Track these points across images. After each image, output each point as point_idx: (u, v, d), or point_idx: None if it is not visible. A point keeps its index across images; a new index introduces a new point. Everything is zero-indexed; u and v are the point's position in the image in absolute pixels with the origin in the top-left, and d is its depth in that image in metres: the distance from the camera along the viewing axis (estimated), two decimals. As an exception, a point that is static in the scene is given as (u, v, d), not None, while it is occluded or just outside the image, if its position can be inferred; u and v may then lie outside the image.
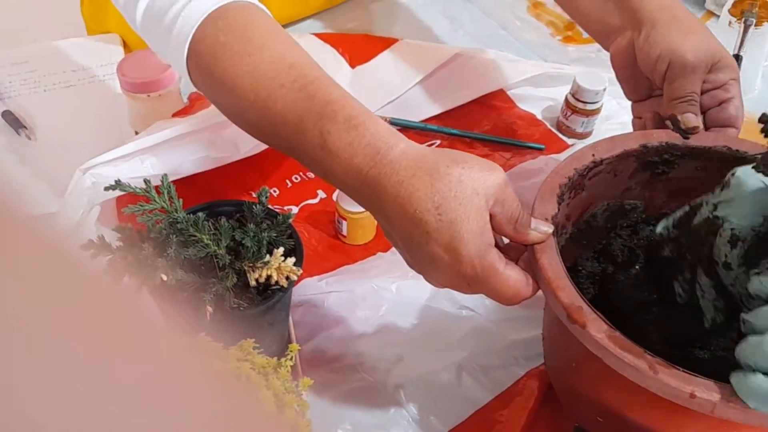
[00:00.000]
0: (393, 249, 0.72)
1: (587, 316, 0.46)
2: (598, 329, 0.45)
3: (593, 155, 0.57)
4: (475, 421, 0.62)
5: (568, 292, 0.47)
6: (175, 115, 0.81)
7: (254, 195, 0.77)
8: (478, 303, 0.69)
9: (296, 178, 0.81)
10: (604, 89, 0.84)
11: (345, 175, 0.50)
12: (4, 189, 0.18)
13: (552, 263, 0.49)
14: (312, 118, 0.50)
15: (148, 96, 0.81)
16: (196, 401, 0.20)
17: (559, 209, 0.53)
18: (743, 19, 0.87)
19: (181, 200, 0.55)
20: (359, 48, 0.96)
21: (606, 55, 0.98)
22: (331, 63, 0.90)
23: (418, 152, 0.49)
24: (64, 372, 0.16)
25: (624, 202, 0.61)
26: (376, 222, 0.74)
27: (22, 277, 0.17)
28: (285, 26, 0.95)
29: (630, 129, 0.87)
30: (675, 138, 0.59)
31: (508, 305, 0.50)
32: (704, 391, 0.43)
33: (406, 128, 0.86)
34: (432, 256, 0.47)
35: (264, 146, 0.73)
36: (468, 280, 0.48)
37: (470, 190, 0.47)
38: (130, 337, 0.19)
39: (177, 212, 0.54)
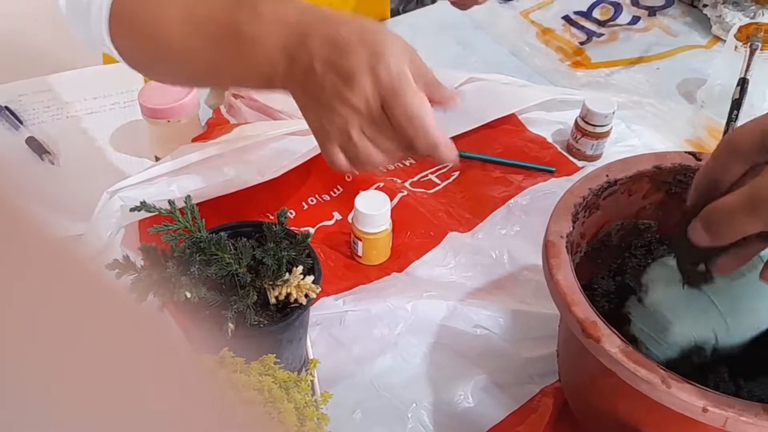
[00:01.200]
0: (408, 269, 0.75)
1: (602, 331, 0.47)
2: (612, 344, 0.47)
3: (607, 175, 0.58)
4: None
5: (583, 308, 0.48)
6: (194, 140, 0.83)
7: (271, 217, 0.79)
8: (493, 323, 0.70)
9: (312, 201, 0.83)
10: (613, 112, 0.86)
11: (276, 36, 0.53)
12: (33, 212, 0.19)
13: (567, 279, 0.50)
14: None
15: (168, 122, 0.84)
16: (217, 422, 0.20)
17: (573, 227, 0.54)
18: (749, 44, 0.88)
19: (203, 220, 0.57)
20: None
21: (614, 80, 1.00)
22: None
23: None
24: (89, 394, 0.17)
25: (638, 222, 0.62)
26: (390, 242, 0.75)
27: (49, 297, 0.17)
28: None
29: (638, 152, 0.89)
30: (688, 160, 0.60)
31: (417, 138, 0.53)
32: (716, 405, 0.43)
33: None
34: (354, 65, 0.50)
35: (285, 170, 0.75)
36: (382, 89, 0.50)
37: (394, 36, 0.53)
38: (154, 357, 0.19)
39: (200, 232, 0.56)
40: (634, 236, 0.62)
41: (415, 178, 0.86)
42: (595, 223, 0.60)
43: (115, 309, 0.19)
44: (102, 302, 0.19)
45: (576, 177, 0.86)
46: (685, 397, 0.44)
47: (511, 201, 0.82)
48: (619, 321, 0.55)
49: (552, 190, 0.83)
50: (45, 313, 0.17)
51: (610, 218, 0.61)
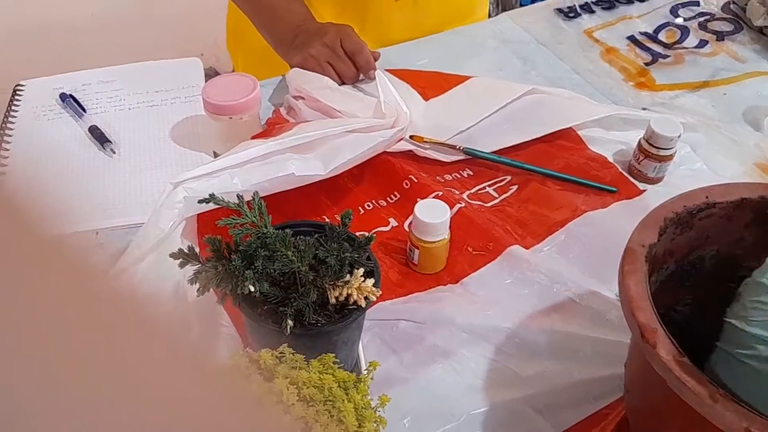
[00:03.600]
0: (463, 281, 0.74)
1: (659, 339, 0.47)
2: (667, 351, 0.46)
3: (706, 197, 0.57)
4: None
5: (646, 313, 0.48)
6: (253, 138, 0.83)
7: (327, 220, 0.79)
8: (547, 344, 0.69)
9: (369, 206, 0.82)
10: (679, 136, 0.84)
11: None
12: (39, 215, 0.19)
13: (637, 287, 0.50)
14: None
15: (230, 119, 0.84)
16: (223, 423, 0.20)
17: (658, 240, 0.53)
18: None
19: (269, 216, 0.57)
20: (432, 83, 0.98)
21: (679, 102, 0.99)
22: (405, 95, 0.92)
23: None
24: (90, 393, 0.17)
25: (735, 252, 0.60)
26: (447, 253, 0.74)
27: (48, 296, 0.17)
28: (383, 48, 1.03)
29: (702, 176, 0.87)
30: None
31: (361, 56, 0.95)
32: (761, 428, 0.42)
33: (478, 158, 0.87)
34: (327, 28, 0.97)
35: (347, 167, 0.75)
36: (341, 35, 0.96)
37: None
38: (155, 356, 0.19)
39: (266, 227, 0.56)
40: (731, 267, 0.59)
41: (473, 190, 0.85)
42: (687, 243, 0.58)
43: (117, 310, 0.19)
44: (107, 308, 0.19)
45: (637, 200, 0.84)
46: (729, 416, 0.43)
47: (571, 224, 0.81)
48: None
49: (613, 217, 0.82)
50: (42, 312, 0.17)
51: (705, 242, 0.59)
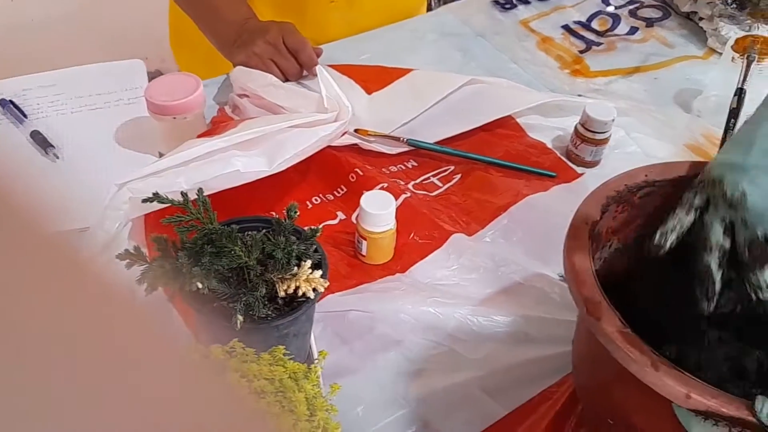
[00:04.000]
0: (411, 270, 0.76)
1: (603, 311, 0.49)
2: (610, 324, 0.48)
3: (646, 176, 0.59)
4: (492, 435, 0.64)
5: (590, 288, 0.50)
6: (199, 137, 0.84)
7: (275, 215, 0.80)
8: (495, 326, 0.71)
9: (316, 200, 0.83)
10: (613, 119, 0.87)
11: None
12: (36, 206, 0.19)
13: (581, 262, 0.52)
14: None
15: (174, 119, 0.84)
16: (204, 415, 0.20)
17: (601, 217, 0.55)
18: (746, 55, 0.90)
19: (215, 213, 0.58)
20: (375, 77, 1.00)
21: (612, 88, 1.02)
22: (347, 90, 0.93)
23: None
24: (81, 388, 0.17)
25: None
26: (394, 243, 0.76)
27: (42, 288, 0.18)
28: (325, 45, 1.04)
29: (636, 158, 0.91)
30: None
31: (304, 52, 0.97)
32: (700, 393, 0.44)
33: (422, 149, 0.89)
34: (269, 26, 0.98)
35: (292, 162, 0.77)
36: (284, 32, 0.98)
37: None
38: (149, 349, 0.20)
39: (212, 224, 0.57)
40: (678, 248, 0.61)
41: (418, 180, 0.87)
42: (629, 222, 0.60)
43: (109, 302, 0.19)
44: (95, 296, 0.19)
45: (576, 183, 0.88)
46: (670, 382, 0.45)
47: (513, 208, 0.83)
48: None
49: (553, 200, 0.85)
50: (36, 306, 0.17)
51: (646, 221, 0.61)
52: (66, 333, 0.17)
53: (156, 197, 0.57)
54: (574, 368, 0.64)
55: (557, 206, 0.83)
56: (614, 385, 0.53)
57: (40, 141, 0.89)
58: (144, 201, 0.57)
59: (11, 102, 0.94)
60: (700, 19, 1.13)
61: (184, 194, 0.57)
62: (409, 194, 0.83)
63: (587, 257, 0.52)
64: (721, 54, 1.02)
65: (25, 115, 0.93)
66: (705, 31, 1.12)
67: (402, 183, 0.85)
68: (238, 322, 0.56)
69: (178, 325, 0.69)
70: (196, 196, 0.59)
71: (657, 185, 0.60)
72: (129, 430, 0.17)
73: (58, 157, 0.87)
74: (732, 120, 0.84)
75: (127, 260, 0.57)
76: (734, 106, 0.86)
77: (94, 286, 0.19)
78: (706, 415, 0.44)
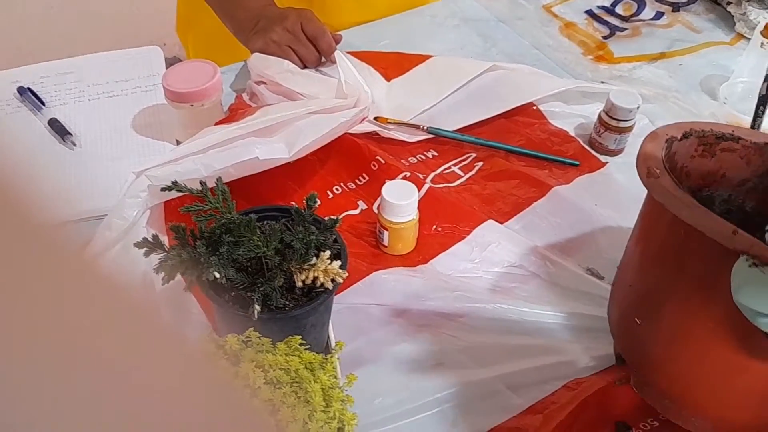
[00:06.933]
0: (432, 261, 0.75)
1: (662, 175, 0.51)
2: (667, 182, 0.50)
3: (733, 131, 0.59)
4: (509, 427, 0.63)
5: (655, 162, 0.52)
6: (216, 124, 0.83)
7: (295, 205, 0.79)
8: (517, 321, 0.70)
9: (337, 189, 0.82)
10: (638, 107, 0.85)
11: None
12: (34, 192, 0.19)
13: (653, 148, 0.54)
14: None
15: (191, 106, 0.84)
16: (200, 409, 0.20)
17: (681, 139, 0.56)
18: (776, 40, 0.88)
19: (234, 202, 0.57)
20: (394, 64, 0.98)
21: (637, 74, 1.00)
22: (366, 76, 0.92)
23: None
24: (75, 374, 0.17)
25: (744, 206, 0.61)
26: (416, 233, 0.75)
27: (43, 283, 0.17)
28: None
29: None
30: None
31: (323, 40, 0.95)
32: (744, 234, 0.45)
33: (442, 137, 0.88)
34: (287, 13, 0.97)
35: (312, 149, 0.76)
36: (302, 19, 0.96)
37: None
38: (141, 343, 0.19)
39: (230, 213, 0.56)
40: (739, 219, 0.60)
41: (438, 171, 0.85)
42: (703, 173, 0.60)
43: (104, 294, 0.19)
44: (90, 289, 0.19)
45: (599, 173, 0.86)
46: (719, 224, 0.46)
47: (537, 202, 0.82)
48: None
49: (577, 191, 0.83)
50: (31, 299, 0.17)
51: (718, 181, 0.60)
52: (59, 326, 0.17)
53: (175, 186, 0.57)
54: (621, 270, 0.63)
55: (581, 198, 0.82)
56: (666, 244, 0.54)
57: (58, 128, 0.88)
58: (163, 189, 0.57)
59: (29, 89, 0.94)
60: (728, 3, 1.10)
61: (203, 183, 0.57)
62: (431, 185, 0.82)
63: (660, 150, 0.54)
64: (749, 39, 0.99)
65: (43, 103, 0.92)
66: (733, 16, 1.09)
67: (422, 176, 0.83)
68: (255, 311, 0.56)
69: (195, 315, 0.69)
70: (215, 185, 0.58)
71: (741, 143, 0.58)
72: (127, 427, 0.17)
73: (75, 145, 0.87)
74: (761, 107, 0.82)
75: (145, 248, 0.57)
76: (764, 92, 0.84)
77: (87, 278, 0.19)
78: (751, 256, 0.44)
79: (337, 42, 0.97)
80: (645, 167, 0.53)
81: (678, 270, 0.53)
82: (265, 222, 0.61)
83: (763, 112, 0.80)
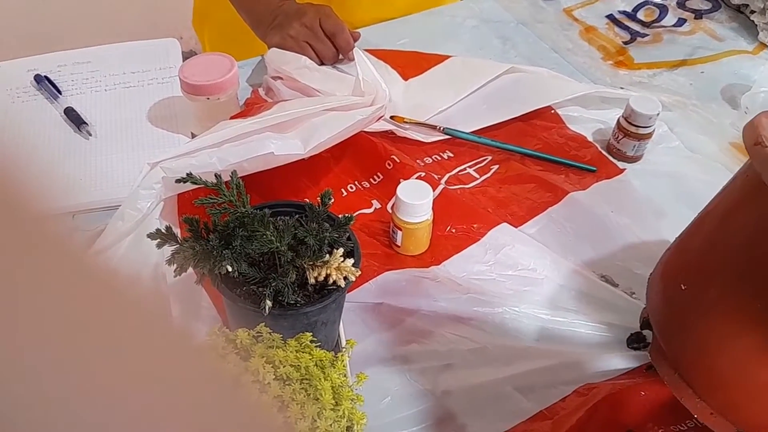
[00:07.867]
0: (445, 262, 0.74)
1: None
2: None
3: None
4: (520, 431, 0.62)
5: (764, 132, 0.51)
6: (232, 118, 0.83)
7: (308, 201, 0.79)
8: (529, 325, 0.69)
9: (351, 188, 0.82)
10: (658, 114, 0.84)
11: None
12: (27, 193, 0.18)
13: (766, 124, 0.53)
14: None
15: (208, 99, 0.83)
16: (198, 403, 0.20)
17: None
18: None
19: (248, 196, 0.56)
20: (412, 63, 0.98)
21: (657, 81, 0.99)
22: (384, 75, 0.91)
23: None
24: (75, 368, 0.17)
25: None
26: (430, 234, 0.74)
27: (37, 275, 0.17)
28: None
29: (680, 154, 0.88)
30: None
31: (341, 36, 0.95)
32: None
33: (458, 138, 0.87)
34: (305, 8, 0.97)
35: (327, 145, 0.75)
36: (321, 15, 0.95)
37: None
38: (140, 336, 0.19)
39: (244, 207, 0.56)
40: None
41: (453, 172, 0.85)
42: None
43: (102, 288, 0.19)
44: (89, 286, 0.19)
45: (617, 180, 0.85)
46: None
47: (553, 207, 0.81)
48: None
49: (595, 198, 0.82)
50: (23, 291, 0.17)
51: None
52: (48, 317, 0.17)
53: (189, 178, 0.56)
54: (685, 235, 0.62)
55: (598, 205, 0.81)
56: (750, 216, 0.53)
57: (74, 118, 0.88)
58: (177, 181, 0.57)
59: (46, 78, 0.94)
60: (752, 12, 1.09)
61: (218, 176, 0.56)
62: (445, 186, 0.81)
63: None
64: (772, 49, 0.98)
65: (59, 92, 0.92)
66: (756, 25, 1.08)
67: (437, 177, 0.83)
68: (267, 307, 0.55)
69: (205, 308, 0.68)
70: (229, 179, 0.57)
71: None
72: (124, 423, 0.17)
73: (90, 134, 0.87)
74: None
75: (158, 240, 0.56)
76: (786, 103, 0.83)
77: (83, 271, 0.19)
78: None
79: (356, 39, 0.97)
80: (754, 135, 0.52)
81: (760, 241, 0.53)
82: (278, 217, 0.61)
83: (786, 123, 0.78)
